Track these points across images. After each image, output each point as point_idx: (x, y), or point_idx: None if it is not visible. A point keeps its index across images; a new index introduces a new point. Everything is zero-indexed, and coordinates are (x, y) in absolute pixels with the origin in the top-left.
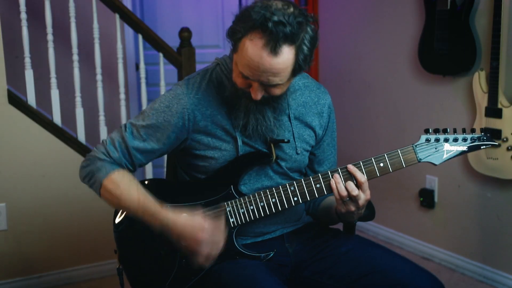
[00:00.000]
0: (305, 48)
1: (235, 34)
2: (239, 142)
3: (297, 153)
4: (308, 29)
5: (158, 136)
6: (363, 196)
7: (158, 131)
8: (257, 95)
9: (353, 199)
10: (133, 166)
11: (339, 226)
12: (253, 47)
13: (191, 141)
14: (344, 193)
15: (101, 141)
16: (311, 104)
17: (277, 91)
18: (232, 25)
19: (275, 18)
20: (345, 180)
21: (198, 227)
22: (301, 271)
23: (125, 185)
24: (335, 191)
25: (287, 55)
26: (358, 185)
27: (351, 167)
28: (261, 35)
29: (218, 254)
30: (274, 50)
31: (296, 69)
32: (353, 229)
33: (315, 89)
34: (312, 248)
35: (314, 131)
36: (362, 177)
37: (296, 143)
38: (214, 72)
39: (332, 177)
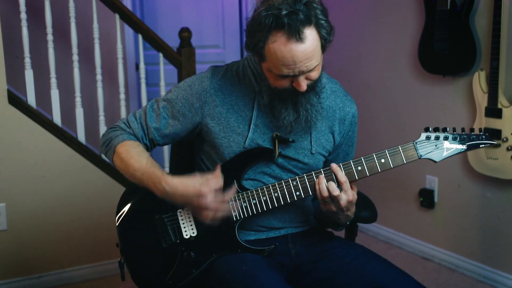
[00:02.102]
0: (322, 22)
1: (256, 46)
2: (250, 135)
3: (312, 153)
4: (314, 5)
5: (174, 112)
6: (344, 197)
7: (175, 106)
8: (303, 86)
9: (334, 199)
10: (148, 141)
11: (341, 233)
12: (280, 46)
13: (204, 126)
14: (325, 193)
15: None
16: (335, 109)
17: (316, 73)
18: (248, 40)
19: (284, 12)
20: (328, 181)
21: (196, 193)
22: (301, 276)
23: (136, 152)
24: (317, 190)
25: (311, 36)
26: (339, 185)
27: (334, 166)
28: (281, 33)
29: (224, 214)
30: (299, 37)
31: (324, 44)
32: (353, 232)
33: (341, 95)
34: (314, 254)
35: (333, 136)
36: (342, 176)
37: (312, 144)
38: (241, 65)
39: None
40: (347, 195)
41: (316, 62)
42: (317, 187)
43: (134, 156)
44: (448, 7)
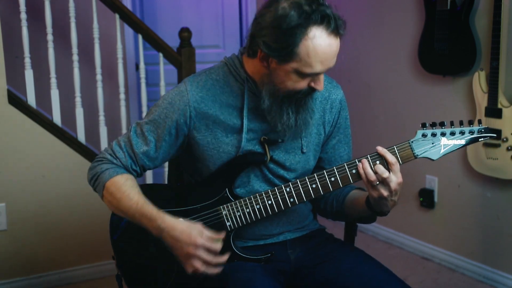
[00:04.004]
0: (336, 15)
1: (287, 47)
2: (243, 144)
3: (303, 152)
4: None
5: (159, 133)
6: (394, 179)
7: (159, 127)
8: (323, 84)
9: (384, 182)
10: (138, 167)
11: (340, 235)
12: (320, 42)
13: (191, 140)
14: (372, 177)
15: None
16: (321, 100)
17: None
18: (273, 42)
19: (323, 6)
20: (373, 164)
21: (190, 240)
22: (301, 280)
23: (127, 188)
24: (363, 175)
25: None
26: (389, 167)
27: (380, 148)
28: (321, 27)
29: (209, 274)
30: (337, 31)
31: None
32: (353, 232)
33: (326, 83)
34: (314, 258)
35: (324, 127)
36: (392, 158)
37: (303, 142)
38: (221, 72)
39: (326, 174)
40: (397, 177)
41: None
42: (361, 171)
43: (125, 193)
44: (448, 7)
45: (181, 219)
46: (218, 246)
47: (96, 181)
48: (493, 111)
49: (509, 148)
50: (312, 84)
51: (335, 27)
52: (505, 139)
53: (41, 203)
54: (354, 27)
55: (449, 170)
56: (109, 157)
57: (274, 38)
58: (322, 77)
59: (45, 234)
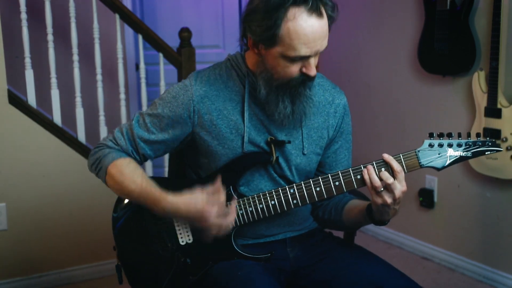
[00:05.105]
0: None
1: (270, 28)
2: (246, 139)
3: (304, 154)
4: None
5: (163, 126)
6: (399, 186)
7: (163, 120)
8: (314, 69)
9: (388, 188)
10: (139, 156)
11: (340, 234)
12: (301, 22)
13: (196, 135)
14: (377, 183)
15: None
16: (324, 104)
17: (317, 58)
18: (257, 26)
19: None
20: (378, 171)
21: (199, 214)
22: (300, 279)
23: (129, 171)
24: (367, 181)
25: (324, 13)
26: (393, 175)
27: (386, 156)
28: (301, 8)
29: (230, 224)
30: (319, 12)
31: (329, 23)
32: (352, 232)
33: (330, 88)
34: (313, 256)
35: (328, 132)
36: (397, 166)
37: (304, 143)
38: (224, 67)
39: (331, 178)
40: (402, 185)
41: (326, 42)
42: (366, 177)
43: (127, 176)
44: (448, 7)
45: (184, 197)
46: (222, 197)
47: (98, 165)
48: (493, 111)
49: (509, 148)
50: (304, 70)
51: (316, 7)
52: (504, 139)
53: (41, 203)
54: (354, 27)
55: (449, 170)
56: (110, 143)
57: (258, 22)
58: (312, 61)
59: (45, 234)
